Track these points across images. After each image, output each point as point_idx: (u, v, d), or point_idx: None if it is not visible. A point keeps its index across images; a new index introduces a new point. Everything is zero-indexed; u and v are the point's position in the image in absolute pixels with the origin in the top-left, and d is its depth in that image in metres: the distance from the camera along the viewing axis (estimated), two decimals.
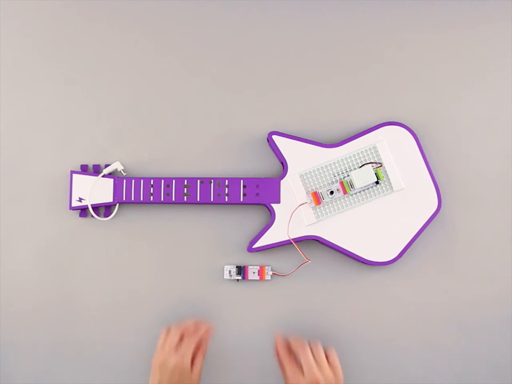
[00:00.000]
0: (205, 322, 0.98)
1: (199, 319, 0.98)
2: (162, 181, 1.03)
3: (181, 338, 0.94)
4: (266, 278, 1.03)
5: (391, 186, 1.02)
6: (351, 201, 1.02)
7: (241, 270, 1.03)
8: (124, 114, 1.07)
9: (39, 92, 1.07)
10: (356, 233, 1.02)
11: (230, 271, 1.03)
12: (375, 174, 1.01)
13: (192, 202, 1.03)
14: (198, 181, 1.03)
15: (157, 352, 0.94)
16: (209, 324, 0.98)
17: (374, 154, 1.03)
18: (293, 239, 1.01)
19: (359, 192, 1.02)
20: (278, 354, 0.96)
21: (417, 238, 1.02)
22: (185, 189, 1.03)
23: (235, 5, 1.07)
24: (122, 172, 1.05)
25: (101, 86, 1.07)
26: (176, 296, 1.05)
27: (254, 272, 1.04)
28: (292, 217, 1.02)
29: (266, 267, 1.04)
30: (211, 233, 1.05)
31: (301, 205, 1.02)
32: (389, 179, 1.02)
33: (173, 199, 1.03)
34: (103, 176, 1.04)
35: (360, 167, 1.02)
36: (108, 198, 1.04)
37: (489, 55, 1.06)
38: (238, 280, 1.04)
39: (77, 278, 1.05)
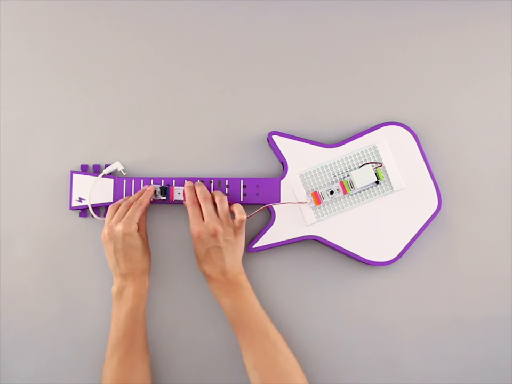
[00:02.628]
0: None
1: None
2: (162, 181, 1.03)
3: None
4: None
5: (391, 186, 1.02)
6: (351, 201, 1.02)
7: (166, 190, 1.02)
8: (124, 114, 1.07)
9: (39, 92, 1.07)
10: (356, 233, 1.02)
11: (155, 191, 1.02)
12: (375, 174, 1.01)
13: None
14: (198, 181, 1.03)
15: (104, 227, 0.98)
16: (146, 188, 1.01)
17: (374, 154, 1.03)
18: (292, 239, 1.02)
19: (359, 192, 1.02)
20: (184, 200, 1.00)
21: (417, 238, 1.02)
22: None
23: (235, 5, 1.07)
24: (122, 172, 1.05)
25: (101, 86, 1.07)
26: (176, 295, 1.05)
27: (179, 193, 1.03)
28: (292, 208, 1.02)
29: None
30: None
31: (300, 202, 1.02)
32: (389, 179, 1.02)
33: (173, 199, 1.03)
34: (103, 176, 1.04)
35: (360, 167, 1.02)
36: (108, 198, 1.04)
37: (489, 55, 1.06)
38: (163, 200, 1.02)
39: (77, 278, 1.05)
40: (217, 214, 0.98)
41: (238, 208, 0.99)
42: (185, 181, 1.02)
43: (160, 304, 1.05)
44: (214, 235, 0.96)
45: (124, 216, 0.98)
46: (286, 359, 0.94)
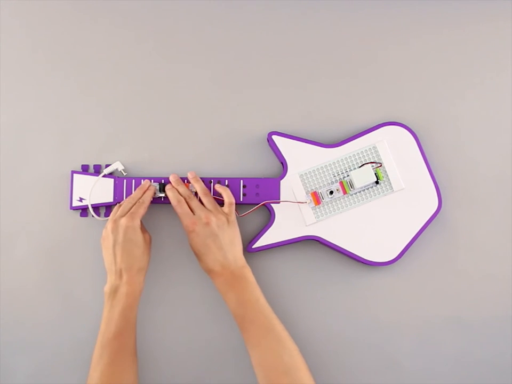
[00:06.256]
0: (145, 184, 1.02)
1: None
2: (163, 180, 1.03)
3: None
4: None
5: (391, 186, 1.02)
6: (351, 201, 1.02)
7: (164, 188, 1.02)
8: (125, 114, 1.07)
9: (39, 92, 1.07)
10: (356, 233, 1.02)
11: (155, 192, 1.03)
12: (375, 174, 1.01)
13: None
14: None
15: (108, 222, 0.99)
16: (147, 184, 1.02)
17: (374, 154, 1.03)
18: (292, 239, 1.02)
19: (359, 192, 1.02)
20: (173, 205, 1.00)
21: (417, 238, 1.02)
22: None
23: (235, 5, 1.07)
24: (122, 171, 1.05)
25: (102, 86, 1.07)
26: (176, 295, 1.05)
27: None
28: (292, 206, 1.02)
29: (190, 185, 1.03)
30: None
31: (299, 202, 1.02)
32: (388, 179, 1.02)
33: None
34: (103, 176, 1.04)
35: (360, 167, 1.02)
36: (109, 198, 1.04)
37: (489, 55, 1.06)
38: (161, 198, 1.03)
39: (77, 277, 1.05)
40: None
41: (225, 192, 1.01)
42: (168, 182, 1.03)
43: (159, 305, 1.05)
44: (208, 223, 0.97)
45: (127, 212, 0.99)
46: (291, 355, 0.93)
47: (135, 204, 1.00)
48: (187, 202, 1.00)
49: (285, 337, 0.95)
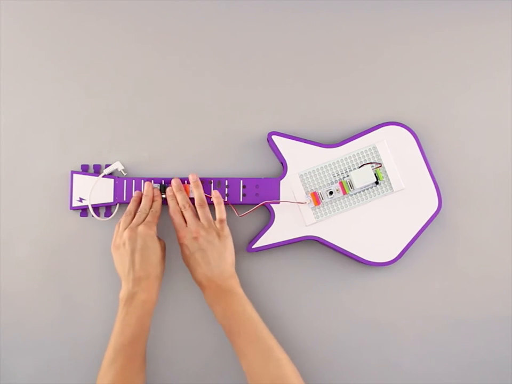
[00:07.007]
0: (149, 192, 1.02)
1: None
2: (163, 181, 1.03)
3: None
4: (190, 196, 1.02)
5: (391, 187, 1.02)
6: (351, 201, 1.02)
7: (165, 189, 1.03)
8: (124, 115, 1.07)
9: (39, 92, 1.07)
10: (356, 234, 1.02)
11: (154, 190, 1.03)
12: (375, 174, 1.01)
13: (192, 202, 1.03)
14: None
15: (119, 231, 0.99)
16: (151, 188, 1.03)
17: (374, 155, 1.03)
18: (292, 240, 1.02)
19: (359, 192, 1.02)
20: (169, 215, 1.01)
21: (417, 238, 1.02)
22: None
23: (235, 5, 1.07)
24: (122, 172, 1.05)
25: (102, 86, 1.07)
26: (175, 295, 1.05)
27: None
28: (292, 206, 1.02)
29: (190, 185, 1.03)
30: None
31: (299, 202, 1.02)
32: (388, 179, 1.02)
33: None
34: (103, 176, 1.04)
35: (360, 167, 1.02)
36: (109, 198, 1.04)
37: (489, 55, 1.06)
38: (162, 199, 1.03)
39: (77, 277, 1.06)
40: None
41: (218, 207, 1.00)
42: (172, 183, 1.03)
43: (159, 305, 1.04)
44: (196, 238, 0.98)
45: (143, 221, 0.99)
46: (278, 365, 0.93)
47: (148, 213, 1.01)
48: (182, 213, 1.01)
49: (272, 347, 0.95)
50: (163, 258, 1.00)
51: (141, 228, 0.98)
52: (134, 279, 0.97)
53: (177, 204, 1.01)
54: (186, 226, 1.00)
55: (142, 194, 1.03)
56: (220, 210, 1.00)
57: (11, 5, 1.08)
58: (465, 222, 1.05)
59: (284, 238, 1.02)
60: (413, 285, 1.05)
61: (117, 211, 1.05)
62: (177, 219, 1.00)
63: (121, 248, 0.98)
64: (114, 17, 1.08)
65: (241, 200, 1.03)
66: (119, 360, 0.93)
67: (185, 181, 1.03)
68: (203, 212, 1.00)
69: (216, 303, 0.98)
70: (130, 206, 1.02)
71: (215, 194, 1.01)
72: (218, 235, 0.99)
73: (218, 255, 0.98)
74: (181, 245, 1.00)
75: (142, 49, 1.07)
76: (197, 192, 1.01)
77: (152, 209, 1.01)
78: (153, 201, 1.02)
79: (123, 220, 1.01)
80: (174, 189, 1.02)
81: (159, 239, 1.00)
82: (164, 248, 1.01)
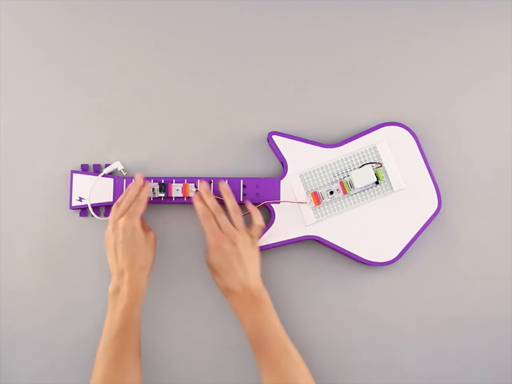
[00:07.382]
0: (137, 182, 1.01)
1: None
2: (162, 180, 1.03)
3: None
4: (190, 195, 1.02)
5: (391, 187, 1.02)
6: (351, 201, 1.02)
7: (164, 187, 1.02)
8: (124, 114, 1.07)
9: (39, 92, 1.07)
10: (356, 233, 1.02)
11: (153, 189, 1.02)
12: (375, 174, 1.01)
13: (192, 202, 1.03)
14: (198, 181, 1.03)
15: (108, 223, 0.99)
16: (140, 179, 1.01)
17: (374, 155, 1.03)
18: (292, 239, 1.02)
19: (359, 192, 1.02)
20: (199, 218, 0.99)
21: (417, 238, 1.02)
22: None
23: (235, 5, 1.07)
24: (122, 171, 1.05)
25: (102, 86, 1.07)
26: (175, 295, 1.05)
27: (177, 190, 1.03)
28: (292, 207, 1.02)
29: (190, 184, 1.02)
30: None
31: (299, 202, 1.02)
32: (388, 179, 1.02)
33: (173, 199, 1.03)
34: (103, 176, 1.04)
35: (360, 167, 1.02)
36: (108, 197, 1.04)
37: (489, 55, 1.06)
38: (161, 198, 1.03)
39: (77, 277, 1.05)
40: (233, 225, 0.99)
41: (257, 215, 1.00)
42: (198, 180, 1.02)
43: (159, 305, 1.05)
44: (235, 242, 0.96)
45: (126, 211, 0.99)
46: (306, 380, 0.93)
47: (133, 202, 1.00)
48: (214, 217, 0.99)
49: (299, 361, 0.94)
50: (150, 248, 0.99)
51: (121, 219, 0.97)
52: (118, 272, 0.97)
53: (205, 206, 0.99)
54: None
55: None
56: (259, 218, 1.00)
57: (11, 5, 1.08)
58: (464, 222, 1.05)
59: (284, 238, 1.02)
60: (413, 285, 1.05)
61: None
62: (211, 223, 0.98)
63: (107, 242, 0.99)
64: (114, 17, 1.08)
65: (241, 200, 1.03)
66: (108, 355, 0.93)
67: (185, 180, 1.03)
68: (238, 217, 0.99)
69: (247, 311, 0.96)
70: (119, 199, 1.01)
71: (249, 205, 1.01)
72: (253, 242, 0.98)
73: (251, 261, 0.97)
74: (216, 248, 0.97)
75: (142, 49, 1.08)
76: (230, 201, 1.00)
77: (138, 197, 1.00)
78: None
79: (111, 212, 1.00)
80: (204, 193, 1.00)
81: (148, 229, 1.00)
82: (152, 239, 1.00)
